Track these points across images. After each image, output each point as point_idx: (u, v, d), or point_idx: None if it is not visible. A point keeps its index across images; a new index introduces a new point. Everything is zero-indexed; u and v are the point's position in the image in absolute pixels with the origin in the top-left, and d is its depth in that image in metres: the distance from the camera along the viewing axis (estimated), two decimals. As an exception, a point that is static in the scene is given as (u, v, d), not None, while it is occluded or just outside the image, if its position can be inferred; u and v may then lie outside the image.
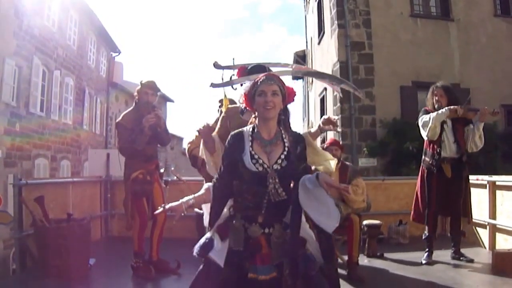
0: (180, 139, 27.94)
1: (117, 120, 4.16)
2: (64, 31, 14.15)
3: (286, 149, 2.11)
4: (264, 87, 2.11)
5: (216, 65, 3.15)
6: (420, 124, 4.46)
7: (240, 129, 2.23)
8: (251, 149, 2.11)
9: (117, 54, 19.70)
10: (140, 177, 4.06)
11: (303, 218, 2.09)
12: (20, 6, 11.04)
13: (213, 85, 2.98)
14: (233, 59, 3.18)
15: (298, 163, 2.11)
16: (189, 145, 4.58)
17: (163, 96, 22.64)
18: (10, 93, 10.77)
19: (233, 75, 3.28)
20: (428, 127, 4.32)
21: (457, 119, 4.32)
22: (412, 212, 4.58)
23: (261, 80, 2.15)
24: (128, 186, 4.06)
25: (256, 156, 2.09)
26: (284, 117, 2.20)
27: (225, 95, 3.55)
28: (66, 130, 14.27)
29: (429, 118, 4.32)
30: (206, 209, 2.25)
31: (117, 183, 5.77)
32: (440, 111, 4.30)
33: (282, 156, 2.09)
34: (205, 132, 2.82)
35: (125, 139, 4.00)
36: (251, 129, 2.18)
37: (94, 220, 5.35)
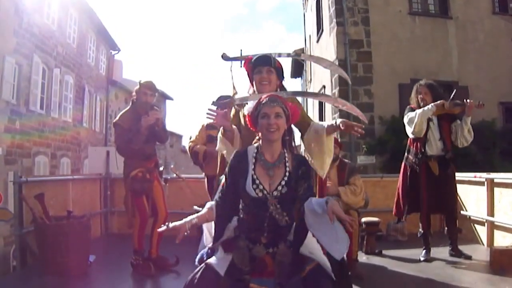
0: (180, 137, 27.96)
1: (114, 120, 4.16)
2: (64, 29, 14.15)
3: (287, 174, 2.07)
4: (267, 110, 2.08)
5: (225, 57, 3.19)
6: (405, 121, 4.44)
7: (244, 149, 2.20)
8: (253, 172, 2.08)
9: (117, 52, 19.70)
10: (139, 175, 4.06)
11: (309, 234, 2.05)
12: (20, 5, 11.05)
13: (216, 103, 2.98)
14: (241, 50, 3.23)
15: (299, 182, 2.07)
16: (190, 143, 4.59)
17: (163, 94, 22.65)
18: (10, 91, 10.79)
19: (236, 93, 3.34)
20: (414, 123, 4.29)
21: (443, 116, 4.29)
22: (394, 207, 4.62)
23: (264, 101, 2.11)
24: (127, 184, 4.07)
25: (257, 181, 2.05)
26: (288, 138, 2.18)
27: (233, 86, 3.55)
28: (66, 127, 14.28)
29: (415, 114, 4.29)
30: (206, 229, 2.19)
31: (116, 180, 5.79)
32: (426, 108, 4.26)
33: (283, 183, 2.05)
34: (221, 116, 2.54)
35: (122, 139, 4.02)
36: (255, 150, 2.15)
37: (94, 217, 5.37)
